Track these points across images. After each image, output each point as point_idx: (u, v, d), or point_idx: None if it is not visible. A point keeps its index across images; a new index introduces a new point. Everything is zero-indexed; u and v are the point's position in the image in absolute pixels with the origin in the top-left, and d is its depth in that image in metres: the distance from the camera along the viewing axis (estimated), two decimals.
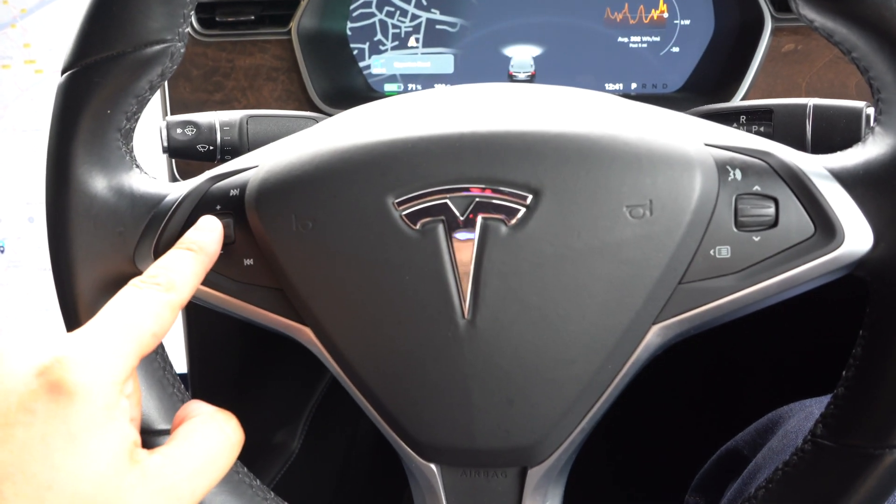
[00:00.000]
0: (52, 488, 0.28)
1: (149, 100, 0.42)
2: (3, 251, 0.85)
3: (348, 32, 0.82)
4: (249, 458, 0.44)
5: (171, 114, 0.79)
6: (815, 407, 0.59)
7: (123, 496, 0.29)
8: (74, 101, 0.40)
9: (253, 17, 0.77)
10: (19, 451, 0.28)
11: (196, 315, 0.88)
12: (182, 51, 0.41)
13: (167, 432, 0.42)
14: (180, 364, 0.91)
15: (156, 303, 0.34)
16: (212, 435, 0.33)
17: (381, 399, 0.39)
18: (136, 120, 0.43)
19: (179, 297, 0.35)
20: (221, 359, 0.92)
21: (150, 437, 0.42)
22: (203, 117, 0.58)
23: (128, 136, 0.42)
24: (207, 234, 0.39)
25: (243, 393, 0.95)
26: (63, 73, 0.41)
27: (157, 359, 0.43)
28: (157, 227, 0.42)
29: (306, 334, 0.40)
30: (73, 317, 0.42)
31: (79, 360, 0.30)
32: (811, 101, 0.53)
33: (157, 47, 0.40)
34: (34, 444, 0.28)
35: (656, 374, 0.57)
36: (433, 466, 0.40)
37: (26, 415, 0.29)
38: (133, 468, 0.30)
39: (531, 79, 0.82)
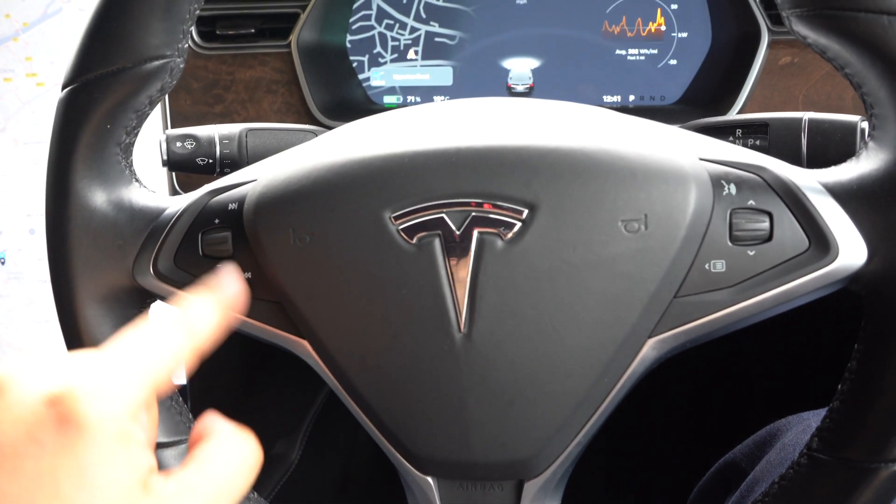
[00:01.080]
0: None
1: (148, 114, 0.42)
2: (3, 263, 0.85)
3: (348, 45, 0.83)
4: None
5: (172, 126, 0.80)
6: (812, 420, 0.59)
7: None
8: (75, 116, 0.40)
9: (253, 31, 0.78)
10: (28, 483, 0.27)
11: None
12: (181, 66, 0.41)
13: (164, 445, 0.43)
14: (179, 376, 0.92)
15: (177, 343, 0.33)
16: (229, 459, 0.32)
17: (378, 412, 0.39)
18: (136, 134, 0.43)
19: (201, 346, 0.34)
20: (220, 370, 0.92)
21: None
22: (202, 131, 0.59)
23: (127, 150, 0.43)
24: (234, 287, 0.37)
25: (242, 404, 0.95)
26: (64, 88, 0.41)
27: None
28: (156, 241, 0.42)
29: (304, 347, 0.40)
30: (72, 329, 0.42)
31: (90, 391, 0.29)
32: (806, 115, 0.53)
33: (157, 63, 0.40)
34: (43, 477, 0.28)
35: (653, 387, 0.57)
36: (430, 479, 0.40)
37: (35, 447, 0.28)
38: (147, 497, 0.29)
39: (530, 91, 0.83)
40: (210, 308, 0.36)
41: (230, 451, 0.32)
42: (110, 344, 0.32)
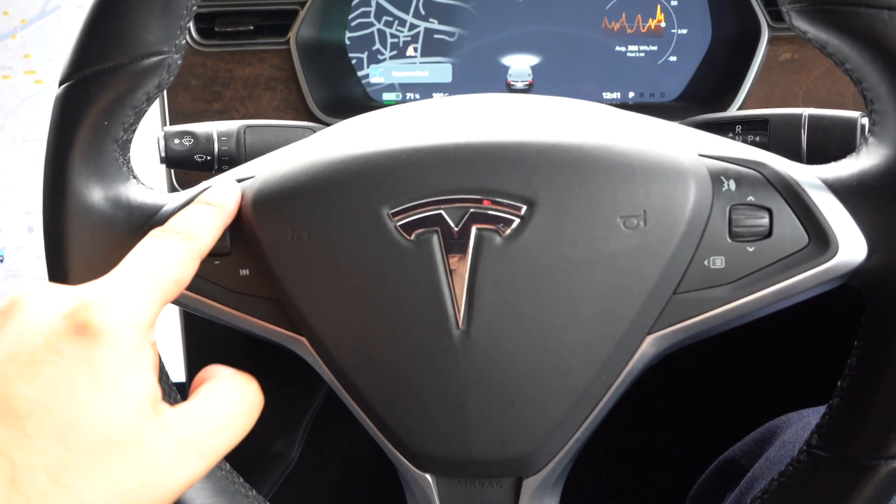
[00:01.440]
0: (76, 427, 0.28)
1: (146, 111, 0.42)
2: (2, 260, 0.85)
3: (347, 42, 0.83)
4: (247, 467, 0.44)
5: (171, 123, 0.79)
6: (812, 417, 0.59)
7: (145, 442, 0.29)
8: (72, 113, 0.40)
9: (252, 28, 0.78)
10: (44, 389, 0.28)
11: (194, 324, 0.88)
12: (179, 62, 0.41)
13: None
14: (178, 373, 0.92)
15: (177, 250, 0.35)
16: (233, 394, 0.33)
17: (376, 409, 0.39)
18: (133, 131, 0.43)
19: (199, 246, 0.36)
20: None
21: None
22: (200, 127, 0.59)
23: (125, 147, 0.43)
24: (224, 192, 0.40)
25: None
26: (61, 84, 0.41)
27: None
28: None
29: (302, 345, 0.40)
30: None
31: (105, 304, 0.30)
32: (806, 112, 0.53)
33: (154, 59, 0.40)
34: (59, 383, 0.28)
35: (653, 383, 0.57)
36: (428, 476, 0.40)
37: (52, 354, 0.29)
38: (156, 417, 0.30)
39: (529, 88, 0.83)
40: (207, 213, 0.38)
41: (233, 388, 0.33)
42: (119, 265, 0.33)
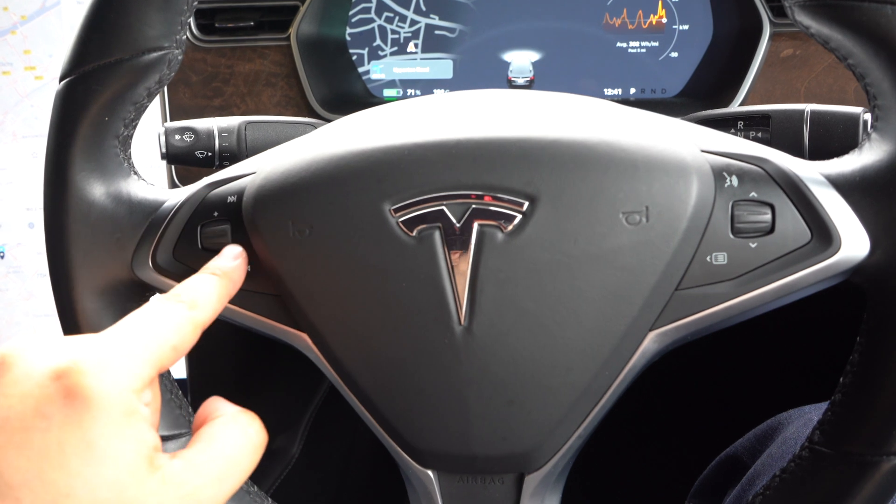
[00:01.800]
0: (70, 496, 0.27)
1: (147, 107, 0.42)
2: (3, 256, 0.85)
3: (347, 38, 0.83)
4: None
5: (171, 119, 0.79)
6: (813, 413, 0.59)
7: (143, 503, 0.28)
8: (72, 109, 0.40)
9: (252, 24, 0.77)
10: (36, 457, 0.28)
11: None
12: (180, 58, 0.41)
13: (163, 438, 0.42)
14: (179, 370, 0.92)
15: (178, 317, 0.34)
16: (235, 438, 0.32)
17: (378, 405, 0.39)
18: (134, 127, 0.43)
19: (202, 316, 0.35)
20: (220, 364, 0.92)
21: None
22: (201, 123, 0.58)
23: (126, 142, 0.42)
24: (231, 262, 0.39)
25: (242, 398, 0.95)
26: (61, 80, 0.41)
27: None
28: (155, 234, 0.42)
29: (303, 341, 0.40)
30: (71, 322, 0.42)
31: (96, 366, 0.29)
32: (808, 107, 0.53)
33: (155, 54, 0.40)
34: (51, 450, 0.28)
35: (655, 380, 0.57)
36: (430, 473, 0.40)
37: (42, 420, 0.28)
38: (153, 474, 0.29)
39: (530, 84, 0.83)
40: (211, 283, 0.37)
41: (235, 431, 0.32)
42: (116, 324, 0.32)
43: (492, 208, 0.37)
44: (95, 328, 0.42)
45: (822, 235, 0.36)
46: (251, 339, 0.47)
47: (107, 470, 0.28)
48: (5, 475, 0.27)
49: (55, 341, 0.30)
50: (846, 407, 0.36)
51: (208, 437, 0.32)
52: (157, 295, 0.35)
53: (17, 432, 0.28)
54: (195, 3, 0.40)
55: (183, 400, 0.44)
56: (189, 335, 0.34)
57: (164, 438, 0.43)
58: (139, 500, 0.28)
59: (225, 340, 0.89)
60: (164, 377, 0.44)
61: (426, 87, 0.84)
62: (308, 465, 1.02)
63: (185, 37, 0.41)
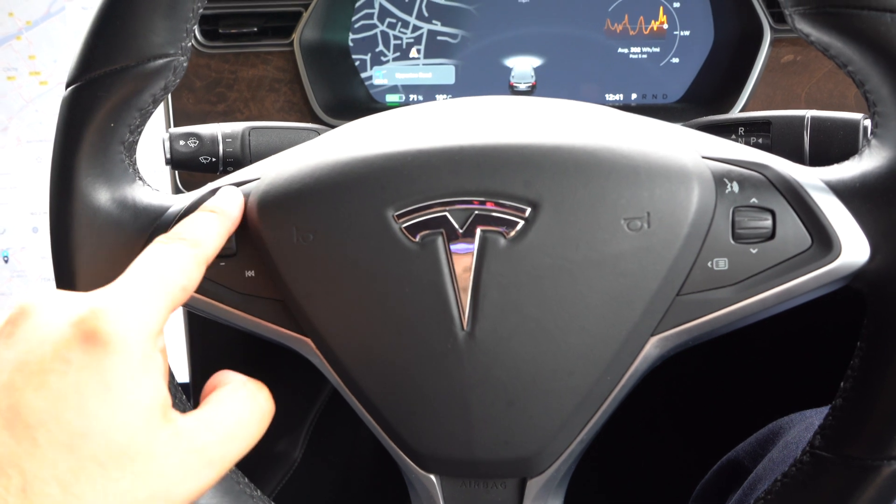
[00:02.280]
0: (86, 436, 0.28)
1: (152, 113, 0.43)
2: (7, 261, 0.86)
3: (350, 44, 0.83)
4: (251, 467, 0.44)
5: (175, 124, 0.80)
6: (815, 418, 0.59)
7: (155, 451, 0.29)
8: (79, 115, 0.40)
9: (256, 29, 0.78)
10: (53, 398, 0.28)
11: (198, 325, 0.88)
12: (185, 65, 0.41)
13: None
14: (182, 374, 0.92)
15: (183, 257, 0.34)
16: (244, 402, 0.33)
17: (381, 410, 0.39)
18: (140, 133, 0.43)
19: (205, 252, 0.36)
20: (222, 368, 0.92)
21: None
22: (205, 129, 0.59)
23: (131, 148, 0.43)
24: (228, 200, 0.40)
25: None
26: (68, 86, 0.41)
27: None
28: None
29: (307, 345, 0.40)
30: None
31: (114, 311, 0.30)
32: (809, 113, 0.53)
33: (161, 61, 0.40)
34: (68, 392, 0.28)
35: (657, 384, 0.57)
36: (433, 477, 0.40)
37: (61, 363, 0.28)
38: (166, 426, 0.30)
39: (532, 89, 0.83)
40: (212, 220, 0.38)
41: (244, 396, 0.33)
42: (126, 272, 0.33)
43: (494, 214, 0.37)
44: None
45: (823, 241, 0.36)
46: (253, 342, 0.48)
47: (123, 413, 0.29)
48: (23, 415, 0.28)
49: (72, 293, 0.31)
50: (847, 412, 0.37)
51: (218, 401, 0.32)
52: (160, 236, 0.36)
53: (35, 374, 0.28)
54: (200, 10, 0.41)
55: (187, 404, 0.44)
56: (195, 273, 0.35)
57: None
58: (151, 447, 0.29)
59: (228, 344, 0.89)
60: (172, 387, 0.44)
61: (428, 92, 0.84)
62: (310, 469, 1.02)
63: (190, 44, 0.41)
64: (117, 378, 0.29)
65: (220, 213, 0.39)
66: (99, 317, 0.29)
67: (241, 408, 0.33)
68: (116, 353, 0.29)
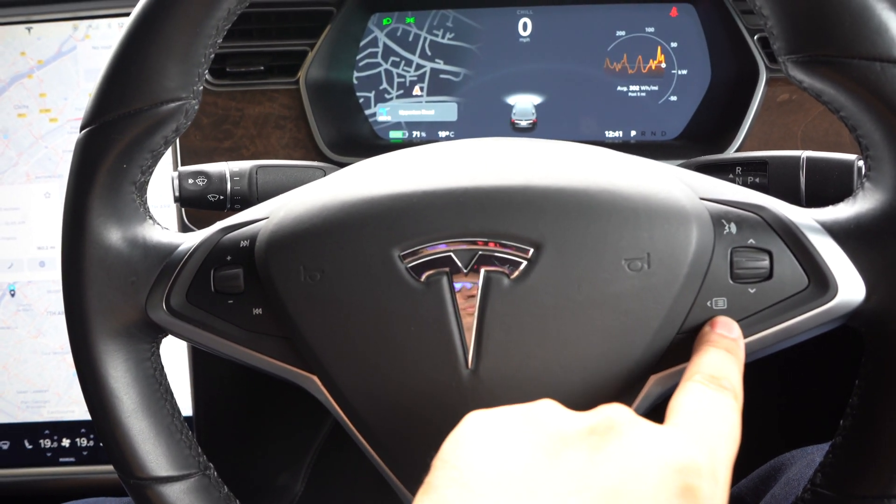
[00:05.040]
0: None
1: (163, 154, 0.44)
2: (13, 295, 0.86)
3: (355, 82, 0.85)
4: (253, 500, 0.44)
5: (182, 160, 0.81)
6: (816, 454, 0.59)
7: None
8: (92, 157, 0.41)
9: (262, 68, 0.79)
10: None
11: (202, 359, 0.88)
12: (196, 107, 0.43)
13: (173, 479, 0.43)
14: (185, 407, 0.92)
15: (735, 413, 0.34)
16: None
17: (387, 446, 0.40)
18: (150, 173, 0.44)
19: (740, 405, 0.35)
20: (226, 402, 0.92)
21: (156, 483, 0.42)
22: (213, 168, 0.60)
23: (142, 188, 0.44)
24: (735, 335, 0.37)
25: (247, 436, 0.95)
26: (82, 129, 0.42)
27: (165, 405, 0.44)
28: (169, 277, 0.43)
29: (313, 383, 0.41)
30: (85, 362, 0.43)
31: (709, 469, 0.29)
32: (804, 154, 0.54)
33: (173, 105, 0.41)
34: None
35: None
36: None
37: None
38: None
39: (533, 126, 0.84)
40: (735, 366, 0.35)
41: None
42: (697, 421, 0.32)
43: (498, 255, 0.38)
44: (108, 369, 0.43)
45: (819, 281, 0.37)
46: (256, 377, 0.48)
47: None
48: None
49: (667, 434, 0.30)
50: (847, 450, 0.37)
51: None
52: (703, 383, 0.34)
53: None
54: (212, 55, 0.42)
55: (193, 441, 0.45)
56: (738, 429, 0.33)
57: (173, 479, 0.43)
58: None
59: (231, 378, 0.89)
60: (175, 418, 0.44)
61: (431, 128, 0.85)
62: (312, 502, 1.02)
63: (201, 87, 0.42)
64: None
65: (735, 354, 0.36)
66: (699, 472, 0.28)
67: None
68: None
